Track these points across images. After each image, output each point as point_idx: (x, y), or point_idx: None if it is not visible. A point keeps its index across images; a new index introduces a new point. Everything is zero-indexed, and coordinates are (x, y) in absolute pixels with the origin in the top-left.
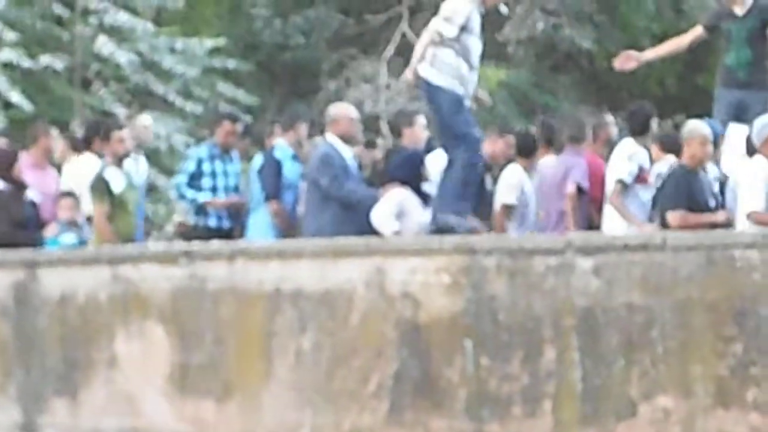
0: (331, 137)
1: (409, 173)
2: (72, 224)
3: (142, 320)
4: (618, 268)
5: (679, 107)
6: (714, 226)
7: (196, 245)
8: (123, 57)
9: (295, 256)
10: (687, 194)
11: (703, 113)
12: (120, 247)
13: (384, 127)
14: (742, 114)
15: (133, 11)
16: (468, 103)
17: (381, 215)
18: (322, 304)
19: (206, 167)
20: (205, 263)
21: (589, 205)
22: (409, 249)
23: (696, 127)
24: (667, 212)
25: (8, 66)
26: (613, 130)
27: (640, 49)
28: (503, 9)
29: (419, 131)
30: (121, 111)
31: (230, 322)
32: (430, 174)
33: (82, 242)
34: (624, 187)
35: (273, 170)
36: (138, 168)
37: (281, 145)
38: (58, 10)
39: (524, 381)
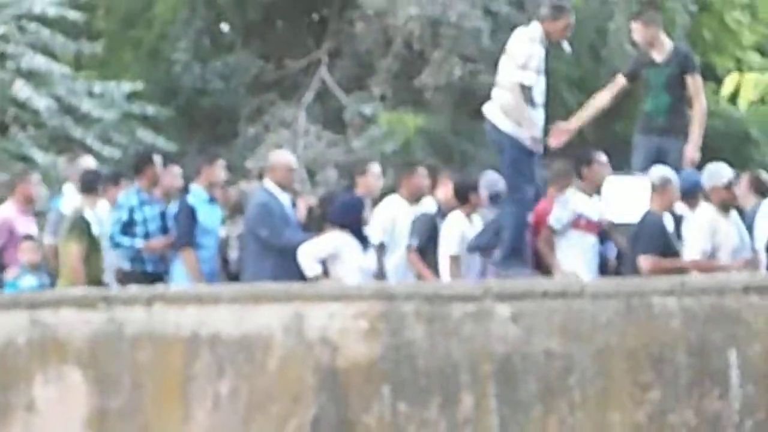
0: (269, 184)
1: (350, 217)
2: (34, 267)
3: (60, 364)
4: (537, 314)
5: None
6: (681, 270)
7: (114, 291)
8: (41, 101)
9: (213, 301)
10: (660, 240)
11: (622, 160)
12: (39, 293)
13: (302, 173)
14: (660, 160)
15: (51, 55)
16: (537, 142)
17: (305, 256)
18: (240, 349)
19: (138, 215)
20: (123, 308)
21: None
22: (327, 295)
23: (664, 175)
24: (639, 256)
25: None
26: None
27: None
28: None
29: (372, 180)
30: (39, 156)
31: (148, 366)
32: (369, 219)
33: (42, 285)
34: (552, 232)
35: (186, 217)
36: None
37: (195, 190)
38: None
39: (442, 427)
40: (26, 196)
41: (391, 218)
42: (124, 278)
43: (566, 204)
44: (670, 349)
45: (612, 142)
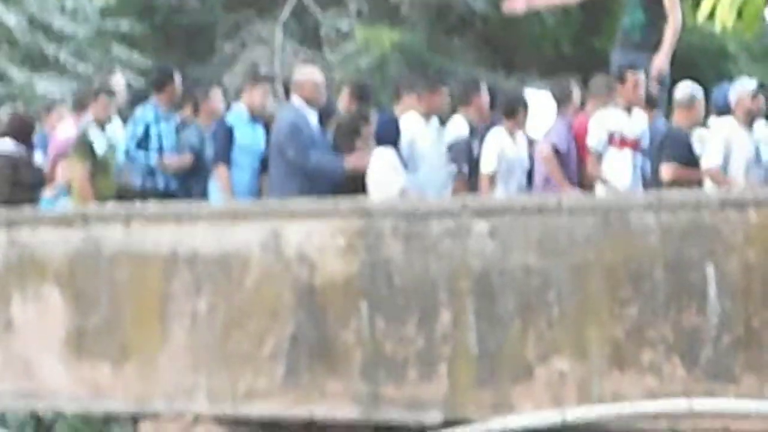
0: (297, 101)
1: (393, 135)
2: (67, 188)
3: (38, 284)
4: (514, 230)
5: (574, 69)
6: (699, 180)
7: (90, 209)
8: (12, 19)
9: (192, 219)
10: (683, 151)
11: (593, 75)
12: (17, 211)
13: (279, 89)
14: None
15: None
16: None
17: (384, 171)
18: (218, 267)
19: (153, 130)
20: (101, 226)
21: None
22: (304, 212)
23: (694, 92)
24: (662, 164)
25: None
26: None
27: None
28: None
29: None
30: (14, 73)
31: (126, 285)
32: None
33: None
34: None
35: (222, 135)
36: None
37: (236, 110)
38: None
39: (420, 344)
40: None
41: (410, 137)
42: (133, 195)
43: (602, 122)
44: (648, 264)
45: (590, 58)
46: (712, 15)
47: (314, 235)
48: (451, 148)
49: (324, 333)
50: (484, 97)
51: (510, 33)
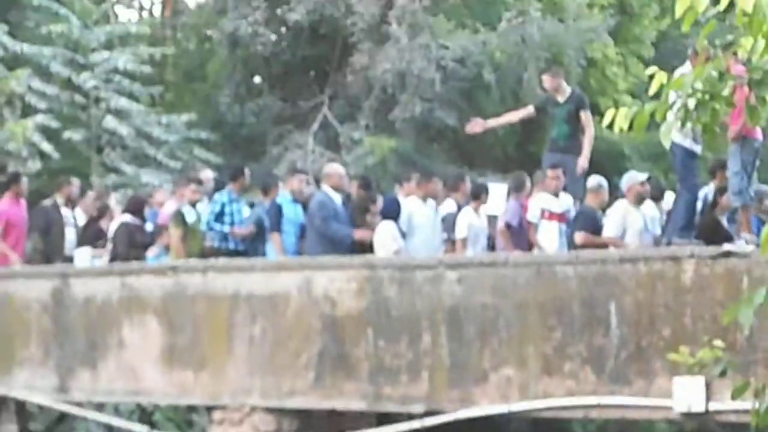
0: (325, 188)
1: (392, 213)
2: (166, 248)
3: (141, 314)
4: (475, 278)
5: (517, 167)
6: (601, 244)
7: (179, 262)
8: (124, 130)
9: (249, 269)
10: (591, 223)
11: (533, 170)
12: (128, 264)
13: (311, 180)
14: (563, 171)
15: (132, 98)
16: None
17: (385, 238)
18: (268, 303)
19: (227, 209)
20: (186, 274)
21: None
22: (329, 264)
23: (600, 182)
24: (575, 233)
25: (39, 126)
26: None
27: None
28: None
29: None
30: (126, 168)
31: (204, 316)
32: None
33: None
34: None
35: (274, 212)
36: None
37: (282, 193)
38: (78, 99)
39: (409, 357)
40: (68, 195)
41: (408, 213)
42: (212, 253)
43: (536, 203)
44: (568, 301)
45: (527, 158)
46: (611, 125)
47: (335, 281)
48: (444, 220)
49: (342, 350)
50: (467, 186)
51: (472, 141)
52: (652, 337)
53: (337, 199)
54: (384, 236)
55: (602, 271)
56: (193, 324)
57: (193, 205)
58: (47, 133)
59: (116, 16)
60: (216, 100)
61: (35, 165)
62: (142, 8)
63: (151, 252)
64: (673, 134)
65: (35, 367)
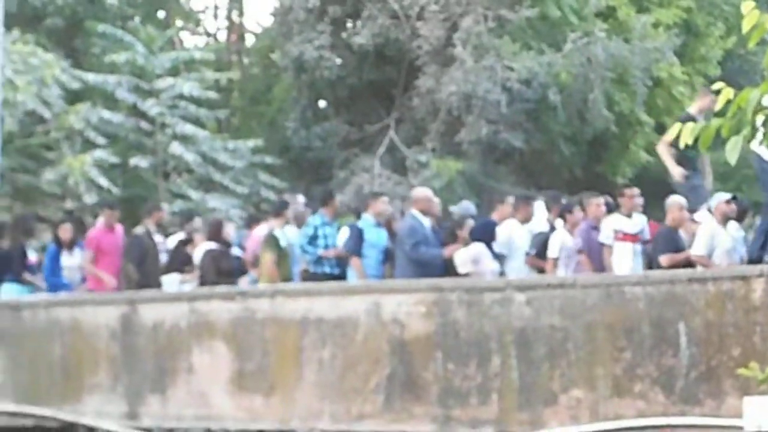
0: (414, 211)
1: (486, 235)
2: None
3: (210, 340)
4: (543, 300)
5: (584, 187)
6: (692, 264)
7: (248, 288)
8: (190, 156)
9: (318, 293)
10: (672, 244)
11: (601, 192)
12: (196, 290)
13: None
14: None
15: (197, 123)
16: None
17: (461, 259)
18: (337, 327)
19: (320, 232)
20: (254, 299)
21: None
22: (397, 288)
23: (675, 199)
24: (659, 257)
25: (98, 161)
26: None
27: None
28: None
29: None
30: (192, 194)
31: (273, 340)
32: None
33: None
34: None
35: (355, 236)
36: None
37: (365, 217)
38: (144, 125)
39: (478, 380)
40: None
41: (509, 235)
42: (308, 277)
43: (609, 224)
44: (637, 322)
45: (594, 179)
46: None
47: (403, 305)
48: (534, 238)
49: (411, 373)
50: (560, 207)
51: (538, 162)
52: (721, 357)
53: (426, 222)
54: (463, 257)
55: (671, 291)
56: (263, 349)
57: (283, 228)
58: (106, 166)
59: (181, 42)
60: (282, 124)
61: (92, 199)
62: (207, 34)
63: (243, 282)
64: (756, 146)
65: (104, 394)
